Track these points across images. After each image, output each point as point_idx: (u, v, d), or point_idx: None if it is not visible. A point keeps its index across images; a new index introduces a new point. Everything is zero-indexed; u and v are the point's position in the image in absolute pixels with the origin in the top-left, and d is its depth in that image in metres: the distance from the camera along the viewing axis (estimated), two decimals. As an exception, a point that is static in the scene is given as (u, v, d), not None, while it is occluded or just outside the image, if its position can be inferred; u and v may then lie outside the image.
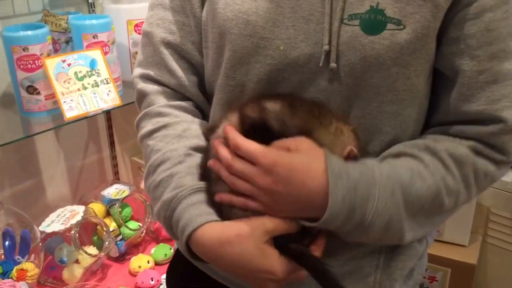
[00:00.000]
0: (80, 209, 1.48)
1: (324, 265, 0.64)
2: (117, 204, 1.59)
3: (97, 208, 1.59)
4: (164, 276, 1.49)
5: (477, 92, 0.66)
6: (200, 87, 0.80)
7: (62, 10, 1.53)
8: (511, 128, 0.66)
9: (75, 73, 1.31)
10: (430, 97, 0.72)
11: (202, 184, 0.69)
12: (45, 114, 1.32)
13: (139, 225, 1.60)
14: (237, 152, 0.65)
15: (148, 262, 1.54)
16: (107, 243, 1.45)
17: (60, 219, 1.44)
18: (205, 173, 0.70)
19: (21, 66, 1.25)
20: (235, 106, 0.70)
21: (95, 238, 1.51)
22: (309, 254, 0.65)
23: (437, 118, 0.72)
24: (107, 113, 1.77)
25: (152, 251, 1.60)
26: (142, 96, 0.80)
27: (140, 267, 1.52)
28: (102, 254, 1.46)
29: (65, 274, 1.41)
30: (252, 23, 0.67)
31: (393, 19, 0.63)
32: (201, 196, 0.68)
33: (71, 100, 1.29)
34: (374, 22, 0.63)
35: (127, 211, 1.62)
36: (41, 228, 1.41)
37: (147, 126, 0.77)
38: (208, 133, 0.74)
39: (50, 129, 1.38)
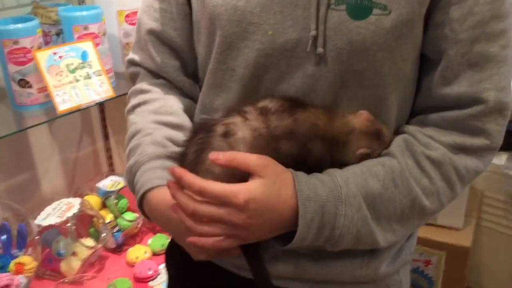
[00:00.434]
0: (75, 202, 1.48)
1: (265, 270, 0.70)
2: (113, 196, 1.60)
3: (93, 200, 1.60)
4: (161, 266, 1.50)
5: (459, 74, 0.67)
6: (184, 71, 0.84)
7: (52, 2, 1.51)
8: (492, 110, 0.67)
9: (67, 66, 1.30)
10: (417, 84, 0.73)
11: (162, 152, 0.74)
12: (37, 108, 1.30)
13: (136, 216, 1.61)
14: (202, 197, 0.61)
15: (145, 252, 1.55)
16: (104, 234, 1.46)
17: (56, 212, 1.44)
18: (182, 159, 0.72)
19: (12, 60, 1.24)
20: (247, 101, 0.69)
21: (92, 230, 1.51)
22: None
23: (419, 103, 0.73)
24: (100, 105, 1.77)
25: (149, 241, 1.61)
26: (132, 77, 0.89)
27: (137, 257, 1.53)
28: (99, 245, 1.47)
29: (63, 266, 1.42)
30: (241, 8, 0.68)
31: (379, 4, 0.64)
32: (159, 163, 0.73)
33: (64, 92, 1.28)
34: (360, 7, 0.64)
35: (123, 202, 1.63)
36: (37, 221, 1.42)
37: (131, 102, 0.84)
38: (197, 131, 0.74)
39: (43, 123, 1.37)
